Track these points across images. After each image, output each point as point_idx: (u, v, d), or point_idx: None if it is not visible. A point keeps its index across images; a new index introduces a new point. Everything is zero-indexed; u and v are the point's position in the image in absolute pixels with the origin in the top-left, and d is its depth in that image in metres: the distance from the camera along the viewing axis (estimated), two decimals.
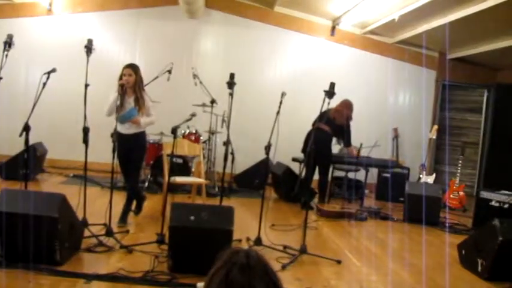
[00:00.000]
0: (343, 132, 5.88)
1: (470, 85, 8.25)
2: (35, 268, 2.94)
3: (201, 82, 6.20)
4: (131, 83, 4.16)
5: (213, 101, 6.18)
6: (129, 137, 4.25)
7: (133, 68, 4.22)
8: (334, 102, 3.93)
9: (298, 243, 3.87)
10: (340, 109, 5.84)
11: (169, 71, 5.71)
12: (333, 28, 7.79)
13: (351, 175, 6.99)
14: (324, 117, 4.95)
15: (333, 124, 5.81)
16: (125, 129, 4.24)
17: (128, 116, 4.16)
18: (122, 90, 4.09)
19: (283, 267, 3.49)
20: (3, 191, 3.18)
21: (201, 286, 2.78)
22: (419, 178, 6.93)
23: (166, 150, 4.96)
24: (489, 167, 8.05)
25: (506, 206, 4.98)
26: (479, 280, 3.64)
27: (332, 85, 3.95)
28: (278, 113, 4.00)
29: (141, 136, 4.37)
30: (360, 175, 6.92)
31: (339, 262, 3.78)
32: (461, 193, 6.60)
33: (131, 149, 4.29)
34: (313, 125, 5.75)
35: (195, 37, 7.72)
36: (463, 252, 4.01)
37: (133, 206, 4.56)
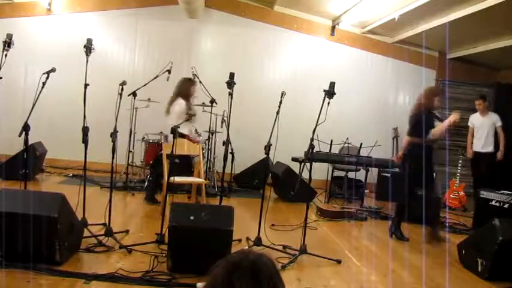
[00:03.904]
0: None
1: (470, 85, 8.23)
2: (34, 268, 2.93)
3: (200, 82, 6.18)
4: None
5: (212, 101, 6.17)
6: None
7: None
8: (334, 102, 3.91)
9: (298, 243, 3.86)
10: None
11: (169, 71, 5.72)
12: (333, 28, 7.80)
13: (351, 175, 6.98)
14: None
15: None
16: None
17: None
18: None
19: (283, 267, 3.49)
20: (2, 191, 3.17)
21: (201, 286, 2.78)
22: None
23: (166, 150, 4.95)
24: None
25: (506, 206, 4.97)
26: (479, 280, 3.65)
27: (332, 84, 3.94)
28: (278, 112, 3.99)
29: None
30: (360, 175, 6.92)
31: (339, 262, 3.77)
32: (461, 193, 6.60)
33: None
34: None
35: (195, 37, 7.72)
36: (463, 252, 4.01)
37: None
